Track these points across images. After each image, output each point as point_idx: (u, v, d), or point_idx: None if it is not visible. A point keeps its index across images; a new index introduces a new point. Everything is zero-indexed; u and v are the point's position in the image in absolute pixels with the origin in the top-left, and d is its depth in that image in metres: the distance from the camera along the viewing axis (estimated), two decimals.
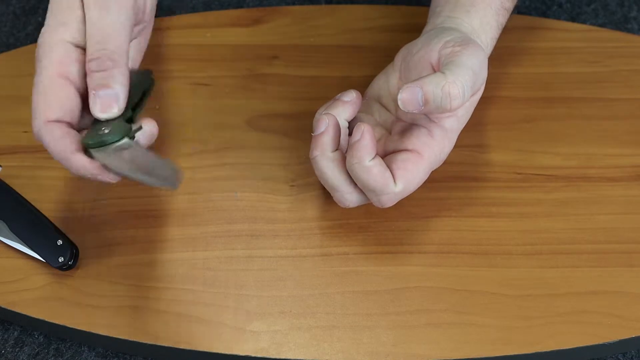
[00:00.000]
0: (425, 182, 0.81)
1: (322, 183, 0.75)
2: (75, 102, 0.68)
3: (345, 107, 0.77)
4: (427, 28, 0.80)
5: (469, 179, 0.82)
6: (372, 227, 0.79)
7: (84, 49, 0.68)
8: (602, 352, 0.74)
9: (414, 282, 0.76)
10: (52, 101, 0.67)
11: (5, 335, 0.79)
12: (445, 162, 0.82)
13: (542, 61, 0.91)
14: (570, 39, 0.93)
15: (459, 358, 0.72)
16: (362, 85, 0.88)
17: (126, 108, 0.68)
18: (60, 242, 0.76)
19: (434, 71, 0.72)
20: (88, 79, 0.67)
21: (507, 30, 0.82)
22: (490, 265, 0.77)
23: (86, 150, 0.66)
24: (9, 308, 0.75)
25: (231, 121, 0.87)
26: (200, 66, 0.91)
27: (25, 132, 0.86)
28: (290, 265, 0.77)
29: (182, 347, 0.73)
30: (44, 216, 0.78)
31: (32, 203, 0.80)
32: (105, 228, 0.79)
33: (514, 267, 0.77)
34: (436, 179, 0.81)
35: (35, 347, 0.79)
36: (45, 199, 0.81)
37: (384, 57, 0.91)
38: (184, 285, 0.76)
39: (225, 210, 0.81)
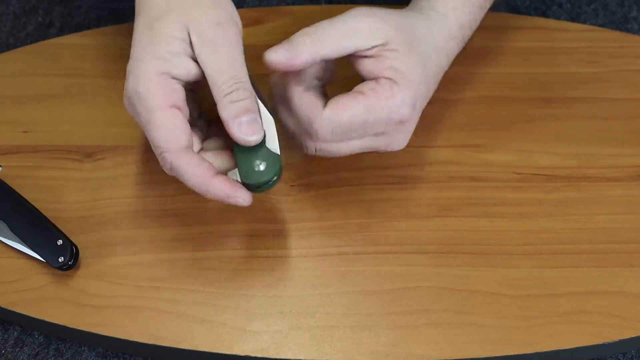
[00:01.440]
0: (425, 182, 0.81)
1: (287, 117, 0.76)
2: (189, 129, 0.70)
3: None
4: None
5: (468, 179, 0.82)
6: (372, 227, 0.79)
7: (178, 80, 0.70)
8: (602, 352, 0.74)
9: (414, 282, 0.76)
10: (177, 130, 0.69)
11: (5, 335, 0.79)
12: (445, 162, 0.82)
13: (541, 61, 0.91)
14: (570, 39, 0.93)
15: (459, 358, 0.72)
16: None
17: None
18: (60, 242, 0.76)
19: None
20: (224, 110, 0.69)
21: (506, 30, 0.83)
22: (490, 265, 0.77)
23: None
24: (9, 308, 0.75)
25: None
26: None
27: (25, 132, 0.86)
28: (290, 265, 0.77)
29: (182, 347, 0.73)
30: (44, 216, 0.78)
31: (32, 203, 0.80)
32: (105, 228, 0.79)
33: (514, 267, 0.77)
34: (436, 179, 0.82)
35: (35, 347, 0.79)
36: (45, 199, 0.81)
37: None
38: (184, 285, 0.76)
39: (225, 210, 0.80)
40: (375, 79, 0.72)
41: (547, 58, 0.91)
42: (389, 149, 0.76)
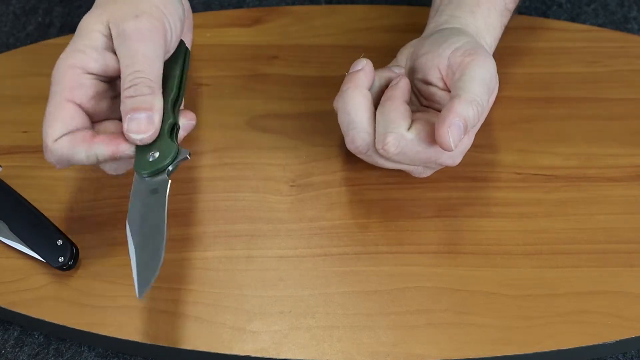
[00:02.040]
0: (425, 182, 0.81)
1: (339, 120, 0.75)
2: (81, 119, 0.70)
3: (360, 74, 0.76)
4: (430, 27, 0.80)
5: (469, 179, 0.82)
6: (372, 227, 0.79)
7: (95, 74, 0.71)
8: (602, 352, 0.74)
9: (414, 282, 0.76)
10: (56, 122, 0.69)
11: (5, 335, 0.79)
12: None
13: (542, 61, 0.91)
14: (570, 39, 0.93)
15: (459, 358, 0.72)
16: None
17: (166, 109, 0.70)
18: (60, 242, 0.76)
19: (441, 75, 0.75)
20: (123, 106, 0.69)
21: (507, 30, 0.82)
22: (490, 265, 0.77)
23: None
24: (9, 308, 0.75)
25: (231, 121, 0.87)
26: (200, 66, 0.91)
27: (25, 132, 0.86)
28: (290, 265, 0.77)
29: (182, 347, 0.73)
30: (44, 216, 0.78)
31: (32, 203, 0.80)
32: (105, 228, 0.79)
33: (514, 267, 0.77)
34: (436, 179, 0.81)
35: (35, 347, 0.79)
36: (45, 199, 0.81)
37: (384, 57, 0.91)
38: (184, 285, 0.76)
39: (225, 210, 0.81)
40: None
41: (547, 58, 0.92)
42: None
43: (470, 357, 0.72)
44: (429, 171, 0.78)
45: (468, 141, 0.75)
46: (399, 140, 0.71)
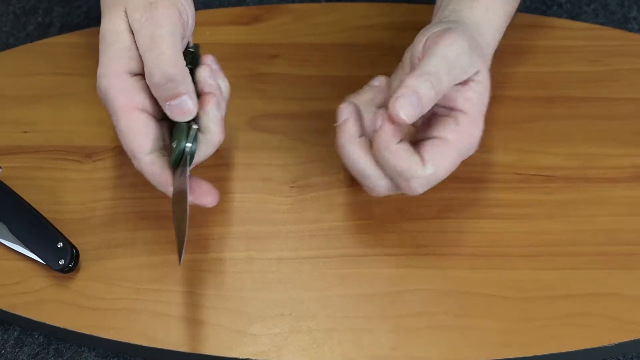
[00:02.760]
0: None
1: (351, 172, 0.74)
2: (155, 129, 0.71)
3: (373, 92, 0.77)
4: (432, 22, 0.80)
5: (469, 180, 0.82)
6: (372, 229, 0.79)
7: (139, 73, 0.71)
8: (602, 355, 0.75)
9: (414, 284, 0.76)
10: (141, 137, 0.70)
11: (5, 336, 0.79)
12: None
13: (542, 60, 0.91)
14: (571, 38, 0.93)
15: None
16: (363, 84, 0.88)
17: None
18: (60, 244, 0.76)
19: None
20: (156, 92, 0.70)
21: (507, 28, 0.82)
22: (490, 267, 0.77)
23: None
24: (9, 310, 0.76)
25: (231, 121, 0.86)
26: None
27: (25, 132, 0.86)
28: (290, 268, 0.77)
29: (181, 350, 0.73)
30: (44, 218, 0.78)
31: (32, 204, 0.80)
32: (105, 230, 0.80)
33: (514, 268, 0.77)
34: None
35: (35, 347, 0.79)
36: (45, 201, 0.81)
37: (385, 55, 0.91)
38: (183, 288, 0.76)
39: (225, 211, 0.81)
40: (451, 109, 0.72)
41: (547, 57, 0.91)
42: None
43: (470, 359, 0.72)
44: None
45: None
46: (421, 181, 0.70)
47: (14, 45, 1.00)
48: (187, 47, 0.76)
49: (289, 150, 0.84)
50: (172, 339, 0.74)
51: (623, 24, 1.00)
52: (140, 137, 0.70)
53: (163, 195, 0.81)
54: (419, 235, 0.79)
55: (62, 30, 1.02)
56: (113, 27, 0.71)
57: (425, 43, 0.73)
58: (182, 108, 0.70)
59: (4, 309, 0.76)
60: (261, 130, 0.86)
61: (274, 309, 0.75)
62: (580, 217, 0.80)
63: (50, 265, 0.76)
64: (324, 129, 0.85)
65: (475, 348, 0.73)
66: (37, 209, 0.79)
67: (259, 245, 0.79)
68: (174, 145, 0.70)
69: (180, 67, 0.70)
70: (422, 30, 0.76)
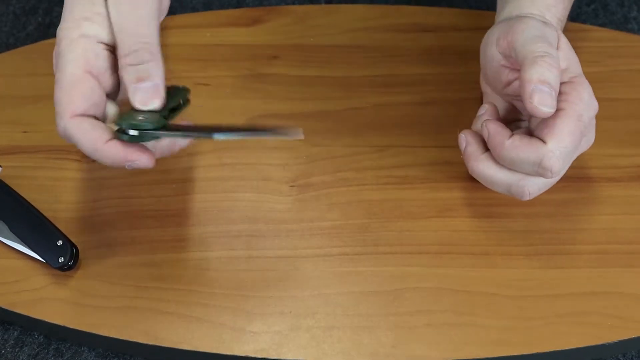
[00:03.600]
0: (425, 182, 0.81)
1: (496, 190, 0.75)
2: (100, 96, 0.68)
3: (481, 120, 0.77)
4: (502, 17, 0.80)
5: (469, 179, 0.81)
6: (372, 227, 0.79)
7: (106, 44, 0.68)
8: (602, 353, 0.74)
9: (414, 282, 0.76)
10: (77, 95, 0.66)
11: (5, 336, 0.79)
12: (445, 162, 0.82)
13: None
14: (570, 39, 0.92)
15: (459, 359, 0.72)
16: (362, 85, 0.89)
17: (163, 108, 0.68)
18: (60, 242, 0.76)
19: (507, 71, 0.75)
20: (124, 73, 0.67)
21: None
22: (490, 265, 0.77)
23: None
24: (9, 309, 0.75)
25: (231, 121, 0.87)
26: (200, 66, 0.91)
27: (25, 132, 0.86)
28: (290, 266, 0.77)
29: (181, 347, 0.73)
30: (44, 217, 0.78)
31: (32, 203, 0.79)
32: (105, 228, 0.79)
33: (514, 267, 0.77)
34: (436, 180, 0.82)
35: (35, 347, 0.79)
36: (45, 200, 0.81)
37: (384, 56, 0.91)
38: (183, 286, 0.76)
39: (225, 210, 0.81)
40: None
41: None
42: (587, 147, 0.75)
43: (470, 357, 0.72)
44: (591, 134, 0.75)
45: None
46: (552, 157, 0.69)
47: (14, 45, 1.01)
48: (177, 86, 0.74)
49: (288, 150, 0.84)
50: (173, 337, 0.73)
51: (623, 24, 1.00)
52: (78, 95, 0.66)
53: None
54: (418, 234, 0.79)
55: None
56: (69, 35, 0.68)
57: (498, 43, 0.74)
58: (148, 95, 0.66)
59: (4, 307, 0.76)
60: None
61: (274, 307, 0.75)
62: (580, 216, 0.80)
63: (50, 263, 0.75)
64: (324, 129, 0.86)
65: (475, 346, 0.73)
66: (37, 208, 0.79)
67: (259, 244, 0.79)
68: (139, 119, 0.66)
69: (153, 37, 0.68)
70: (484, 40, 0.77)
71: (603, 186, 0.82)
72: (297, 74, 0.91)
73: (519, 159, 0.70)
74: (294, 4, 1.04)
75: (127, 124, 0.66)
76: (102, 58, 0.68)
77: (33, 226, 0.77)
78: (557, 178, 0.73)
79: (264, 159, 0.84)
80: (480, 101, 0.83)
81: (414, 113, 0.87)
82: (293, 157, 0.84)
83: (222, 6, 1.06)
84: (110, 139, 0.66)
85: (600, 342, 0.73)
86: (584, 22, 1.00)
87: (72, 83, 0.67)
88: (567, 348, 0.72)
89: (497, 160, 0.73)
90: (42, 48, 0.94)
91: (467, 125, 0.80)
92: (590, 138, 0.74)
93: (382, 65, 0.91)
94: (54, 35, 0.89)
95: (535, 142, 0.70)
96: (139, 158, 0.67)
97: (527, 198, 0.73)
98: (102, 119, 0.69)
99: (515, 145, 0.70)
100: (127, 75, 0.67)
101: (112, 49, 0.69)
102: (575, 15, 1.01)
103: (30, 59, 0.92)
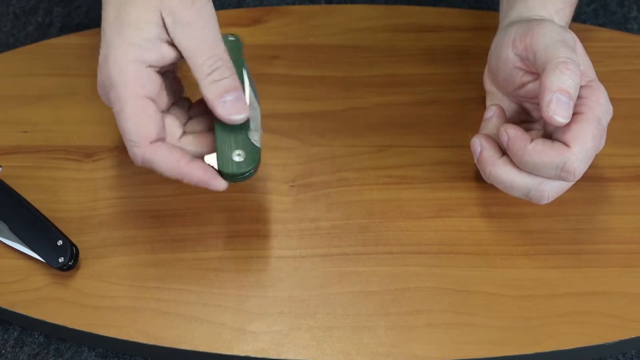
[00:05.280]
0: (425, 182, 0.81)
1: (513, 195, 0.74)
2: (161, 118, 0.70)
3: (490, 122, 0.77)
4: (502, 27, 0.80)
5: (468, 179, 0.82)
6: (372, 227, 0.79)
7: (154, 67, 0.70)
8: (602, 353, 0.74)
9: (414, 282, 0.76)
10: (149, 122, 0.68)
11: (5, 336, 0.79)
12: (445, 162, 0.82)
13: None
14: None
15: (458, 358, 0.72)
16: (362, 85, 0.89)
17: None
18: (60, 242, 0.76)
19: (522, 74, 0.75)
20: (208, 90, 0.68)
21: None
22: (490, 265, 0.77)
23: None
24: (9, 308, 0.75)
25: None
26: None
27: (25, 132, 0.86)
28: (290, 266, 0.77)
29: (181, 347, 0.73)
30: (44, 217, 0.78)
31: (32, 203, 0.79)
32: (105, 228, 0.79)
33: (513, 267, 0.77)
34: (435, 179, 0.82)
35: (35, 347, 0.79)
36: (45, 200, 0.81)
37: (384, 57, 0.91)
38: (184, 286, 0.76)
39: (225, 210, 0.81)
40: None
41: None
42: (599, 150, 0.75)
43: (470, 357, 0.72)
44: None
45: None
46: (575, 160, 0.70)
47: (14, 45, 1.01)
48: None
49: (288, 150, 0.84)
50: (173, 337, 0.73)
51: (623, 24, 1.00)
52: (149, 122, 0.68)
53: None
54: (418, 234, 0.79)
55: (62, 30, 1.02)
56: (139, 16, 0.69)
57: (514, 45, 0.74)
58: (238, 106, 0.69)
59: (4, 307, 0.76)
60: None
61: (274, 307, 0.75)
62: (580, 216, 0.80)
63: (50, 263, 0.76)
64: (324, 129, 0.86)
65: (475, 346, 0.73)
66: (37, 208, 0.79)
67: (259, 244, 0.79)
68: (240, 157, 0.70)
69: (227, 54, 0.70)
70: (497, 42, 0.77)
71: (603, 186, 0.82)
72: (297, 74, 0.91)
73: (542, 162, 0.70)
74: (294, 4, 1.04)
75: (227, 171, 0.69)
76: (154, 81, 0.69)
77: (33, 226, 0.77)
78: (574, 182, 0.73)
79: (264, 159, 0.83)
80: (482, 101, 0.84)
81: (414, 113, 0.87)
82: (293, 157, 0.84)
83: (222, 6, 1.06)
84: (191, 160, 0.69)
85: (600, 342, 0.73)
86: (584, 22, 1.00)
87: (138, 110, 0.68)
88: (566, 348, 0.73)
89: (518, 165, 0.72)
90: (42, 49, 0.94)
91: (468, 125, 0.80)
92: (603, 142, 0.74)
93: (382, 65, 0.91)
94: (54, 35, 0.89)
95: (558, 146, 0.70)
96: (217, 183, 0.70)
97: (545, 202, 0.73)
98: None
99: (538, 150, 0.70)
100: (212, 91, 0.68)
101: (162, 71, 0.71)
102: (575, 15, 1.00)
103: (31, 60, 0.92)
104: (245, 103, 0.69)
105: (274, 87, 0.90)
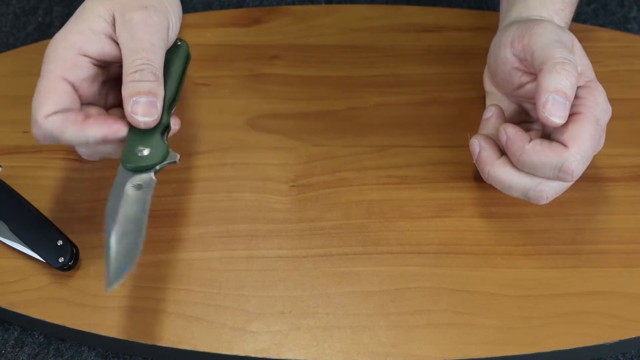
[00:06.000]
0: (425, 182, 0.81)
1: (512, 195, 0.75)
2: (72, 99, 0.70)
3: (489, 122, 0.78)
4: (503, 26, 0.80)
5: (468, 179, 0.82)
6: (372, 227, 0.79)
7: (92, 58, 0.71)
8: (602, 353, 0.74)
9: (414, 282, 0.76)
10: (48, 99, 0.68)
11: (5, 336, 0.79)
12: (445, 162, 0.82)
13: None
14: None
15: (458, 358, 0.72)
16: (362, 85, 0.89)
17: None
18: (60, 242, 0.76)
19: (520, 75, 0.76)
20: (126, 88, 0.69)
21: None
22: (490, 265, 0.77)
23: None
24: (9, 308, 0.75)
25: (231, 121, 0.87)
26: (200, 66, 0.91)
27: (25, 132, 0.86)
28: (290, 266, 0.77)
29: (182, 347, 0.73)
30: (44, 216, 0.78)
31: (32, 203, 0.79)
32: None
33: (514, 267, 0.77)
34: (435, 179, 0.82)
35: (35, 347, 0.79)
36: (45, 199, 0.81)
37: (384, 56, 0.91)
38: (184, 286, 0.76)
39: (225, 210, 0.81)
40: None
41: None
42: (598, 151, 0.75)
43: (470, 357, 0.72)
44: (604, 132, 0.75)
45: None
46: (573, 160, 0.70)
47: (14, 45, 1.01)
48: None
49: (288, 150, 0.84)
50: (173, 337, 0.73)
51: (623, 24, 1.00)
52: (53, 99, 0.69)
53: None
54: (418, 234, 0.79)
55: None
56: (92, 9, 0.71)
57: (512, 45, 0.74)
58: (148, 109, 0.69)
59: (4, 307, 0.76)
60: (261, 130, 0.86)
61: (274, 306, 0.75)
62: (580, 215, 0.80)
63: (50, 263, 0.76)
64: (324, 129, 0.86)
65: (475, 346, 0.73)
66: (38, 208, 0.79)
67: (259, 244, 0.79)
68: (144, 153, 0.69)
69: (159, 62, 0.71)
70: (496, 42, 0.77)
71: (603, 186, 0.82)
72: (297, 74, 0.91)
73: (540, 163, 0.70)
74: (294, 4, 1.04)
75: (128, 165, 0.69)
76: (81, 68, 0.70)
77: (33, 226, 0.78)
78: (573, 182, 0.73)
79: (264, 158, 0.84)
80: (481, 101, 0.84)
81: (414, 113, 0.87)
82: (293, 157, 0.84)
83: (222, 6, 1.06)
84: (86, 118, 0.69)
85: (599, 342, 0.73)
86: (584, 22, 1.01)
87: (46, 87, 0.69)
88: (566, 348, 0.72)
89: (516, 165, 0.72)
90: (42, 48, 0.91)
91: (468, 125, 0.80)
92: (602, 142, 0.74)
93: (382, 65, 0.91)
94: (53, 35, 0.89)
95: (556, 147, 0.70)
96: (117, 127, 0.69)
97: (544, 202, 0.73)
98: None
99: (536, 150, 0.70)
100: (128, 89, 0.69)
101: (100, 65, 0.72)
102: (575, 15, 1.00)
103: (31, 59, 0.92)
104: (157, 110, 0.69)
105: (274, 87, 0.90)
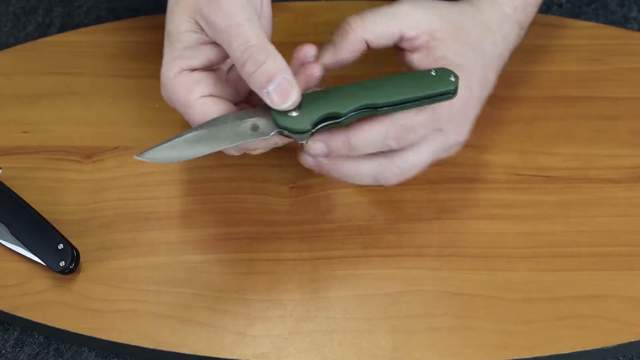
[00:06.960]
0: (425, 184, 0.81)
1: (363, 183, 0.74)
2: (225, 108, 0.69)
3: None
4: None
5: (468, 180, 0.82)
6: (372, 229, 0.79)
7: (205, 70, 0.70)
8: (601, 356, 0.75)
9: (415, 285, 0.76)
10: (212, 114, 0.69)
11: (6, 336, 0.79)
12: (445, 163, 0.82)
13: (542, 59, 0.91)
14: (571, 37, 0.93)
15: None
16: None
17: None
18: (61, 246, 0.76)
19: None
20: (250, 84, 0.66)
21: None
22: (490, 268, 0.77)
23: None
24: (10, 312, 0.76)
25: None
26: None
27: (25, 132, 0.86)
28: (290, 269, 0.77)
29: (182, 351, 0.73)
30: (45, 219, 0.78)
31: (33, 205, 0.79)
32: (106, 231, 0.80)
33: (513, 270, 0.77)
34: (436, 181, 0.82)
35: (35, 348, 0.79)
36: (46, 202, 0.81)
37: (385, 54, 0.91)
38: (184, 289, 0.76)
39: (225, 212, 0.81)
40: None
41: (547, 56, 0.91)
42: (452, 150, 0.74)
43: None
44: (453, 134, 0.74)
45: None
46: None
47: (14, 45, 1.00)
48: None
49: (288, 151, 0.84)
50: (173, 341, 0.74)
51: (623, 24, 1.00)
52: (209, 114, 0.68)
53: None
54: (418, 237, 0.79)
55: (62, 30, 1.02)
56: (177, 28, 0.69)
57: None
58: (283, 93, 0.65)
59: (5, 311, 0.76)
60: None
61: (274, 310, 0.75)
62: (580, 218, 0.80)
63: (51, 266, 0.76)
64: None
65: (474, 349, 0.73)
66: (38, 210, 0.79)
67: (260, 247, 0.79)
68: (292, 114, 0.66)
69: (261, 37, 0.67)
70: None
71: (603, 187, 0.82)
72: None
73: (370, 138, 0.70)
74: (294, 0, 1.03)
75: (278, 118, 0.66)
76: (204, 81, 0.69)
77: (34, 229, 0.78)
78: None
79: (264, 160, 0.84)
80: None
81: None
82: (293, 158, 0.83)
83: None
84: (203, 96, 0.69)
85: (599, 346, 0.73)
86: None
87: (201, 111, 0.68)
88: (566, 352, 0.73)
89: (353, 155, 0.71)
90: (42, 47, 0.93)
91: None
92: (451, 139, 0.74)
93: (383, 64, 0.90)
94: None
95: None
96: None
97: (395, 179, 0.73)
98: None
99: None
100: (253, 85, 0.66)
101: (212, 69, 0.71)
102: (575, 15, 1.01)
103: (30, 58, 0.92)
104: (291, 84, 0.65)
105: None
